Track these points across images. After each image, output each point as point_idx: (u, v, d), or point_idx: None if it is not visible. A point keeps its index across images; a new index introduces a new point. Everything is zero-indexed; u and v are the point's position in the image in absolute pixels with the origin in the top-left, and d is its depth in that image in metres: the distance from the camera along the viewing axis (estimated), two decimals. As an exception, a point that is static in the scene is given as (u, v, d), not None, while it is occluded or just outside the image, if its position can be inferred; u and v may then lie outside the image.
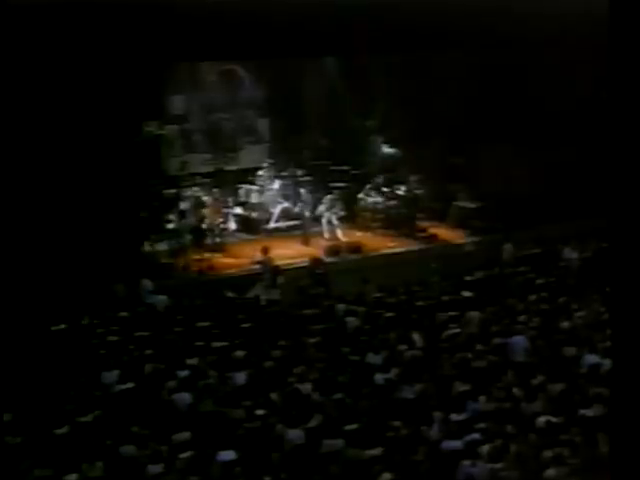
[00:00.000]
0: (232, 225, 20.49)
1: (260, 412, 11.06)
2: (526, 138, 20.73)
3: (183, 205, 19.20)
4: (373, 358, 12.87)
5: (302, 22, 16.90)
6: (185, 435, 10.55)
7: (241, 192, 21.35)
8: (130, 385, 11.97)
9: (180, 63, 20.18)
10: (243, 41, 17.10)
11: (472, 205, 21.09)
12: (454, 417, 10.77)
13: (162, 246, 18.20)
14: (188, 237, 18.37)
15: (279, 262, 17.40)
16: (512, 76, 20.53)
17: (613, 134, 5.14)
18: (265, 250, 17.32)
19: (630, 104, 5.05)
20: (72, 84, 15.81)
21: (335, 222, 20.19)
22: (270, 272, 16.79)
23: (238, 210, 20.79)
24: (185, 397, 11.50)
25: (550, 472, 9.50)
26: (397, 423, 10.65)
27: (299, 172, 21.69)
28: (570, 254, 18.31)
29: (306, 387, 11.82)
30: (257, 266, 17.20)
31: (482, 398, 11.33)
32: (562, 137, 20.19)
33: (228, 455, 9.93)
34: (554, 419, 10.58)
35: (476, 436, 10.31)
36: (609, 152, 5.19)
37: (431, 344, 13.48)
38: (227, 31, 16.68)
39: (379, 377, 12.17)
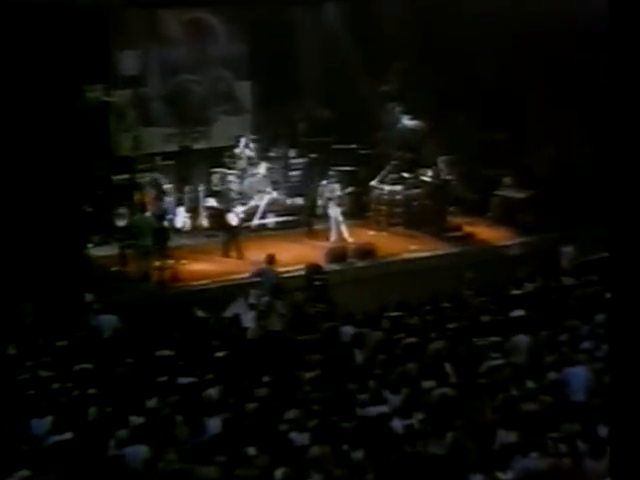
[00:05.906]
0: (204, 221, 20.49)
1: (240, 471, 10.99)
2: (590, 105, 20.64)
3: (138, 195, 19.18)
4: (389, 398, 12.82)
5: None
6: (140, 502, 10.52)
7: (215, 178, 21.34)
8: (68, 436, 11.90)
9: (133, 9, 20.16)
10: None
11: (520, 195, 21.12)
12: (497, 477, 10.72)
13: (110, 250, 18.19)
14: (145, 238, 18.31)
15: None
16: (567, 21, 20.32)
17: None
18: (271, 259, 17.15)
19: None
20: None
21: (340, 218, 20.22)
22: (271, 289, 16.62)
23: (211, 202, 20.76)
24: (140, 451, 11.44)
25: None
26: (421, 485, 10.61)
27: (291, 152, 21.70)
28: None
29: (301, 437, 11.77)
30: (255, 277, 17.09)
31: (533, 453, 11.27)
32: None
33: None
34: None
35: (526, 503, 10.28)
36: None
37: (466, 380, 13.44)
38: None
39: (397, 424, 12.11)
